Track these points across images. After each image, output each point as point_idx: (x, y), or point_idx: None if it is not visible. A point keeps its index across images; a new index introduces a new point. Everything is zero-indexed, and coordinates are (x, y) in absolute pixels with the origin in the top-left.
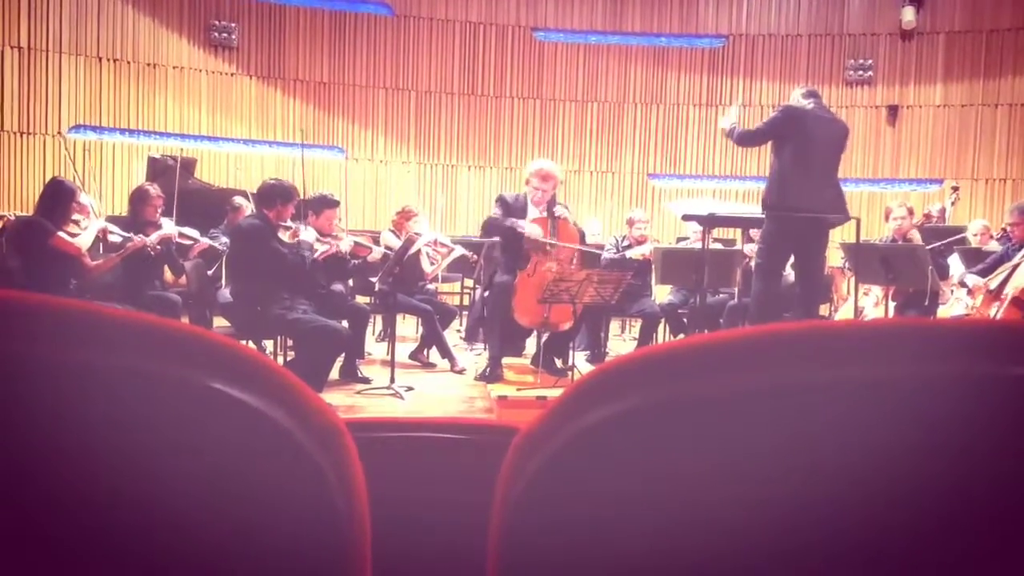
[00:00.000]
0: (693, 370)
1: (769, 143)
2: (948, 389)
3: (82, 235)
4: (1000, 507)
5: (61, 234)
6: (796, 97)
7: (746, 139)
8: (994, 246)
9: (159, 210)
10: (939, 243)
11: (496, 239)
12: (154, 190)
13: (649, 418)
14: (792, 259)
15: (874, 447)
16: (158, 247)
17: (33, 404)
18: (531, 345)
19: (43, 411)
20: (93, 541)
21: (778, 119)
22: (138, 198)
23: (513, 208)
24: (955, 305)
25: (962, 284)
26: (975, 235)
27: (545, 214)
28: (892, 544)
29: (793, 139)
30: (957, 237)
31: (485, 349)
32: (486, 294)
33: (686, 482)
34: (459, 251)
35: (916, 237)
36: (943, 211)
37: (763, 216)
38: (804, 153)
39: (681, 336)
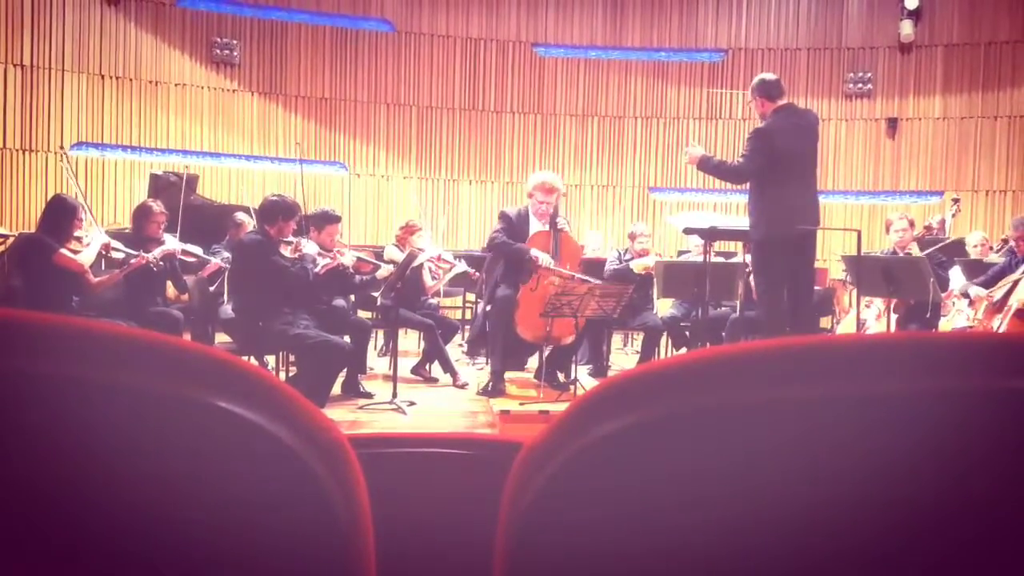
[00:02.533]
0: (696, 385)
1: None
2: (948, 403)
3: (84, 252)
4: (1000, 519)
5: (63, 251)
6: (758, 96)
7: (732, 176)
8: (995, 258)
9: (162, 226)
10: (934, 248)
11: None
12: (157, 206)
13: (654, 433)
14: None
15: (874, 460)
16: (161, 263)
17: (35, 422)
18: (533, 359)
19: (45, 428)
20: (94, 556)
21: (753, 149)
22: (141, 214)
23: (516, 224)
24: (957, 317)
25: (964, 295)
26: (975, 246)
27: (547, 227)
28: (891, 554)
29: (774, 161)
30: (948, 241)
31: (487, 363)
32: (488, 308)
33: (690, 496)
34: (461, 267)
35: (915, 250)
36: (943, 222)
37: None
38: (785, 173)
39: (683, 349)
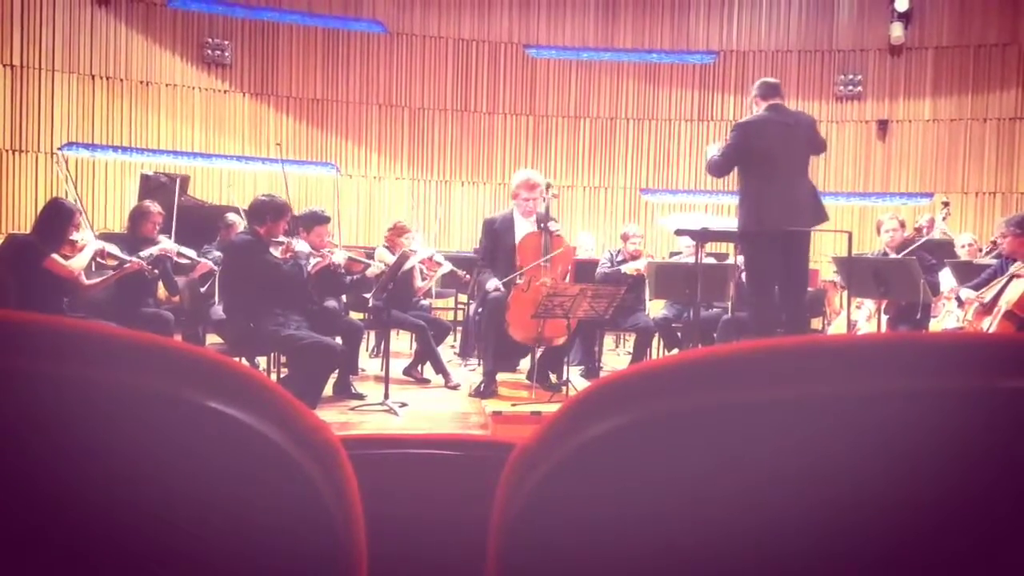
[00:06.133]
0: (689, 385)
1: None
2: (944, 403)
3: (77, 257)
4: (993, 517)
5: (55, 257)
6: (754, 95)
7: (714, 169)
8: (986, 260)
9: (157, 227)
10: (914, 246)
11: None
12: (154, 207)
13: (646, 433)
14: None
15: (867, 459)
16: (155, 271)
17: (31, 421)
18: (525, 361)
19: (41, 428)
20: (89, 554)
21: (735, 140)
22: (139, 214)
23: (501, 230)
24: (947, 318)
25: (957, 298)
26: (962, 247)
27: (536, 228)
28: (890, 554)
29: (755, 155)
30: (923, 241)
31: (479, 364)
32: (479, 310)
33: (684, 496)
34: (447, 267)
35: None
36: (932, 221)
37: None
38: (770, 168)
39: (675, 350)
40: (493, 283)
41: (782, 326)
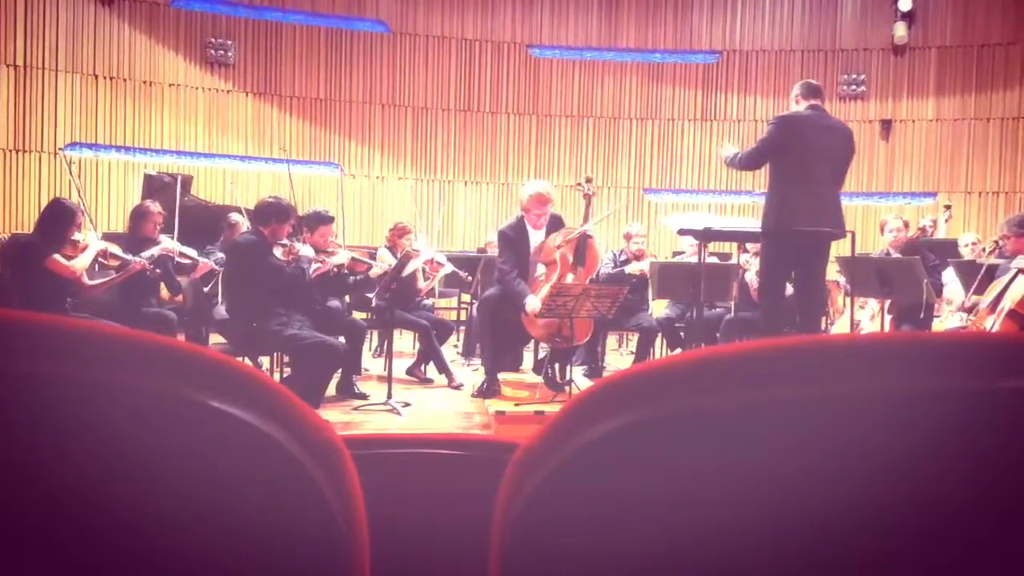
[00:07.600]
0: (692, 385)
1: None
2: (946, 403)
3: (80, 257)
4: (995, 517)
5: (57, 257)
6: (795, 93)
7: (747, 161)
8: (993, 261)
9: (159, 227)
10: (905, 243)
11: (495, 254)
12: (155, 207)
13: (649, 433)
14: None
15: (869, 460)
16: (157, 271)
17: (33, 421)
18: (527, 359)
19: (40, 428)
20: (90, 555)
21: (774, 132)
22: (139, 215)
23: (516, 241)
24: (950, 318)
25: (968, 309)
26: (966, 246)
27: (544, 235)
28: (891, 555)
29: (790, 151)
30: (915, 229)
31: (482, 364)
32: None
33: (687, 496)
34: (449, 267)
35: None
36: (935, 223)
37: (759, 231)
38: (803, 166)
39: (678, 350)
40: (533, 302)
41: (792, 326)
